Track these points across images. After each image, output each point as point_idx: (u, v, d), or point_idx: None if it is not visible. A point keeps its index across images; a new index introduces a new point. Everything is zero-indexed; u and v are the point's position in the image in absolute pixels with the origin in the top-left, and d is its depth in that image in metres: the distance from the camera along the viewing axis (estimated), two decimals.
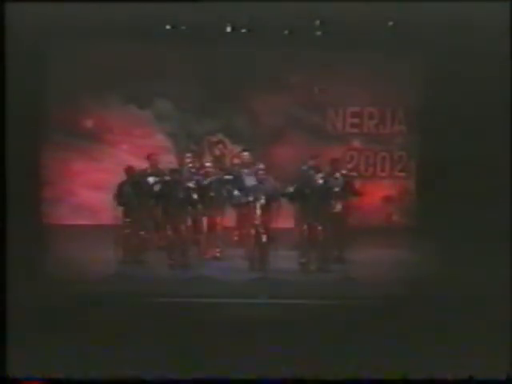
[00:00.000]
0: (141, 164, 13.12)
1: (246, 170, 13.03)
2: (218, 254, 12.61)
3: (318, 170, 12.48)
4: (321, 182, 12.03)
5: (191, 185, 12.09)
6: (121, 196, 12.14)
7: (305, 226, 11.98)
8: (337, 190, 12.30)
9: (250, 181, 12.50)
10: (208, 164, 13.02)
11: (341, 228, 12.42)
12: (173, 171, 12.31)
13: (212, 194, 12.50)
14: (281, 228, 12.50)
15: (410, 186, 15.31)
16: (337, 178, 12.48)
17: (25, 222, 11.75)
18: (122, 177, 12.35)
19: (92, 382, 8.17)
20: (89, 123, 14.89)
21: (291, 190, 11.85)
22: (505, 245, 11.28)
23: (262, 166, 12.43)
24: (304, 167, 13.01)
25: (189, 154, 13.17)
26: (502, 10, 10.95)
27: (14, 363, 8.35)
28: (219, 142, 14.51)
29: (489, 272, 10.93)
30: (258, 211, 11.85)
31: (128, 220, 12.16)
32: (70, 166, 14.80)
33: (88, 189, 14.77)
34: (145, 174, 12.71)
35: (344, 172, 12.92)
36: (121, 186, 12.16)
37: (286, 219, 12.96)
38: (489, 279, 10.70)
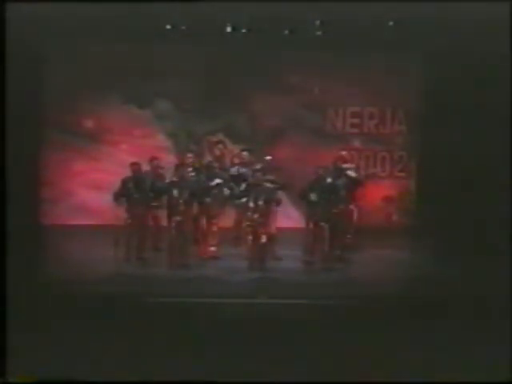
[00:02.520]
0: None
1: (244, 170, 13.03)
2: (216, 254, 12.57)
3: (328, 169, 12.42)
4: (329, 181, 12.01)
5: (192, 184, 12.08)
6: (123, 193, 12.03)
7: (311, 226, 11.91)
8: (340, 189, 12.27)
9: (250, 180, 12.51)
10: (209, 163, 13.00)
11: (342, 228, 12.41)
12: (177, 167, 12.27)
13: (211, 193, 12.49)
14: (281, 228, 12.55)
15: (410, 186, 15.31)
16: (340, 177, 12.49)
17: (25, 222, 11.76)
18: (126, 173, 12.25)
19: None
20: (89, 123, 14.89)
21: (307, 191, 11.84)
22: (505, 245, 11.28)
23: (261, 165, 12.47)
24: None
25: (189, 154, 13.15)
26: (502, 9, 10.95)
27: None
28: (219, 142, 14.48)
29: (488, 272, 10.93)
30: (257, 211, 11.82)
31: (128, 219, 12.09)
32: (69, 166, 14.80)
33: (88, 189, 14.76)
34: (147, 173, 12.67)
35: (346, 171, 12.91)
36: (124, 183, 12.07)
37: (285, 219, 13.02)
38: (488, 279, 10.70)
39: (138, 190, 12.02)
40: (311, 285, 11.20)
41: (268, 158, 12.96)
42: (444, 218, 13.32)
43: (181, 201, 11.80)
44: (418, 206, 14.98)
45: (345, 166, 12.83)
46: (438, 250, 12.45)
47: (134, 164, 12.26)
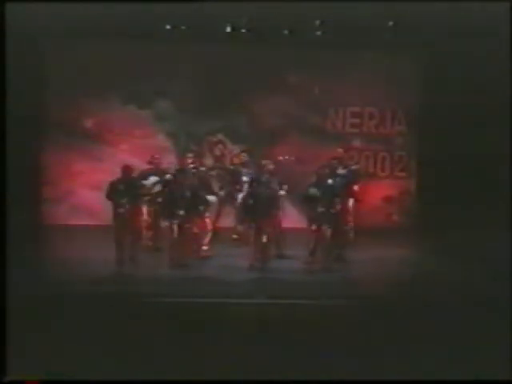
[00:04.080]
0: (141, 164, 13.11)
1: (245, 170, 13.06)
2: (208, 253, 12.53)
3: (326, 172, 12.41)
4: (330, 181, 12.00)
5: (192, 184, 12.08)
6: (114, 194, 11.98)
7: (313, 226, 11.87)
8: (340, 189, 12.28)
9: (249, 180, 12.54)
10: (208, 164, 13.03)
11: (342, 228, 12.42)
12: (178, 171, 12.26)
13: (212, 193, 12.51)
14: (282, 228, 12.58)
15: (410, 186, 15.32)
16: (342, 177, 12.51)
17: (25, 222, 11.76)
18: (117, 175, 12.21)
19: None
20: (89, 123, 14.90)
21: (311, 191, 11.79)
22: (504, 245, 11.29)
23: (261, 165, 12.51)
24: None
25: (189, 154, 13.16)
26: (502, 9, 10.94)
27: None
28: (219, 142, 14.49)
29: (488, 272, 10.94)
30: (258, 211, 11.82)
31: (124, 219, 12.05)
32: (70, 166, 14.81)
33: (88, 189, 14.76)
34: (143, 173, 12.68)
35: (347, 171, 12.94)
36: (114, 185, 12.00)
37: (287, 219, 13.03)
38: (488, 279, 10.71)
39: (128, 192, 11.96)
40: (311, 285, 11.21)
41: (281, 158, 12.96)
42: (444, 218, 13.31)
43: (181, 201, 11.82)
44: (418, 206, 14.98)
45: (342, 168, 12.86)
46: (438, 250, 12.46)
47: (125, 167, 12.17)
